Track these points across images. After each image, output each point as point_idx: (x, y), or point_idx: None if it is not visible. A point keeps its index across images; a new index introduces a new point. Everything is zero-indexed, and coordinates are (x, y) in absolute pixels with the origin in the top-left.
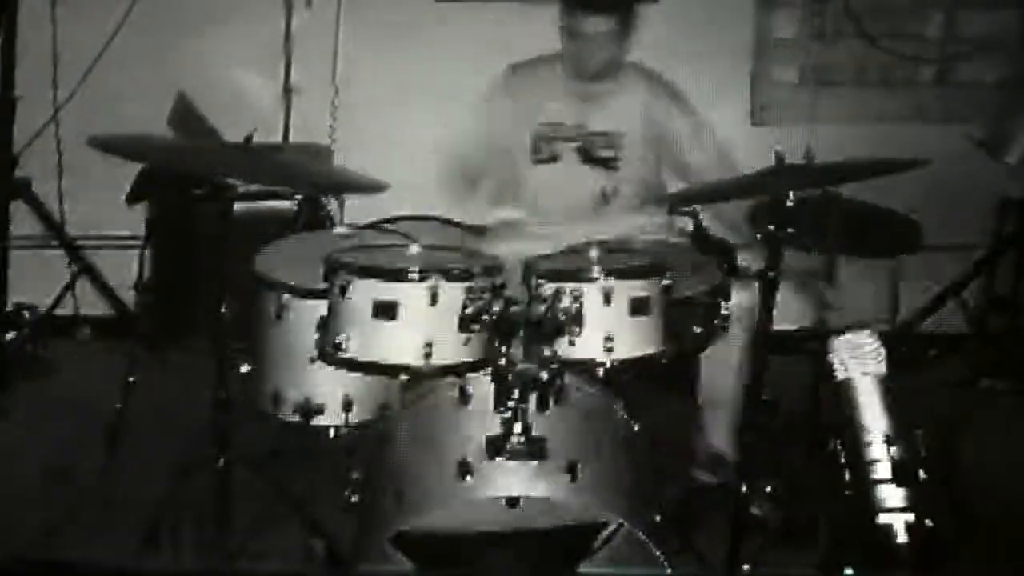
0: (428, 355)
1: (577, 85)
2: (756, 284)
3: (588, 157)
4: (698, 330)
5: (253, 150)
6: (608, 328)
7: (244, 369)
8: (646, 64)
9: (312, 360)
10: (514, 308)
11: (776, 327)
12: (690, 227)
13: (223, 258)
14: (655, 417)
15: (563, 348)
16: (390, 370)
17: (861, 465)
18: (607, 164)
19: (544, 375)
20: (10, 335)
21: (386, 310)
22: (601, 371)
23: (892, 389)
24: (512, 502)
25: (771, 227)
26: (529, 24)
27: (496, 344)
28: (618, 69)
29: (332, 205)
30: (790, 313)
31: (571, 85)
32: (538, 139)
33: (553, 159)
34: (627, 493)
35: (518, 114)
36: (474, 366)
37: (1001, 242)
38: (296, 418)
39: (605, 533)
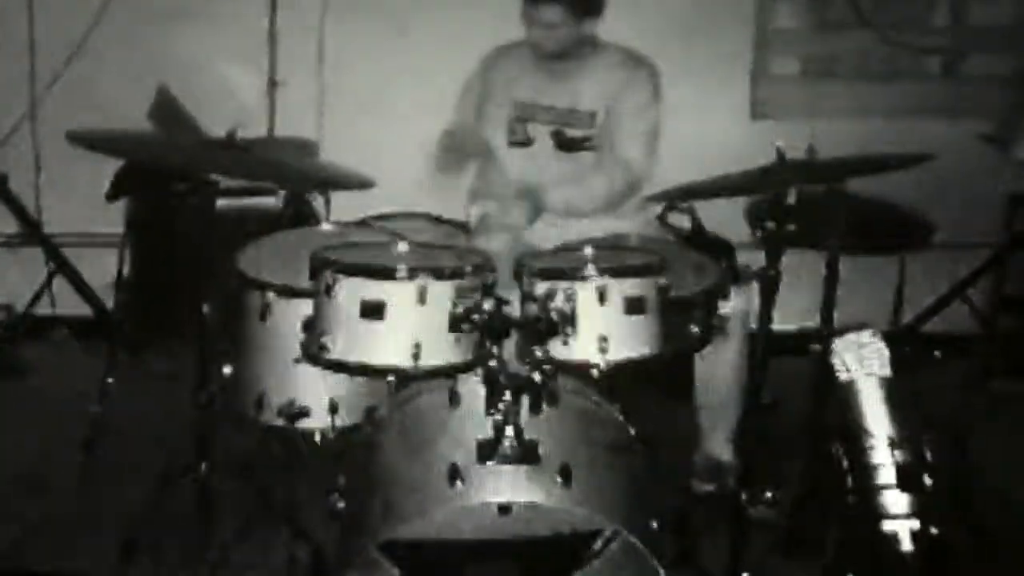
0: (417, 356)
1: (546, 63)
2: (755, 283)
3: (561, 140)
4: (695, 330)
5: (237, 145)
6: (603, 328)
7: (227, 371)
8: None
9: (297, 361)
10: (506, 307)
11: (776, 327)
12: (687, 224)
13: (205, 256)
14: (651, 420)
15: (556, 349)
16: (377, 372)
17: (865, 470)
18: (581, 146)
19: (537, 377)
20: None
21: (373, 310)
22: (596, 373)
23: (896, 391)
24: (504, 508)
25: (771, 225)
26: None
27: (487, 345)
28: (588, 47)
29: (318, 202)
30: (790, 313)
31: (541, 64)
32: (513, 120)
33: (527, 142)
34: (623, 499)
35: (496, 96)
36: (464, 367)
37: (1010, 239)
38: (280, 422)
39: (600, 541)
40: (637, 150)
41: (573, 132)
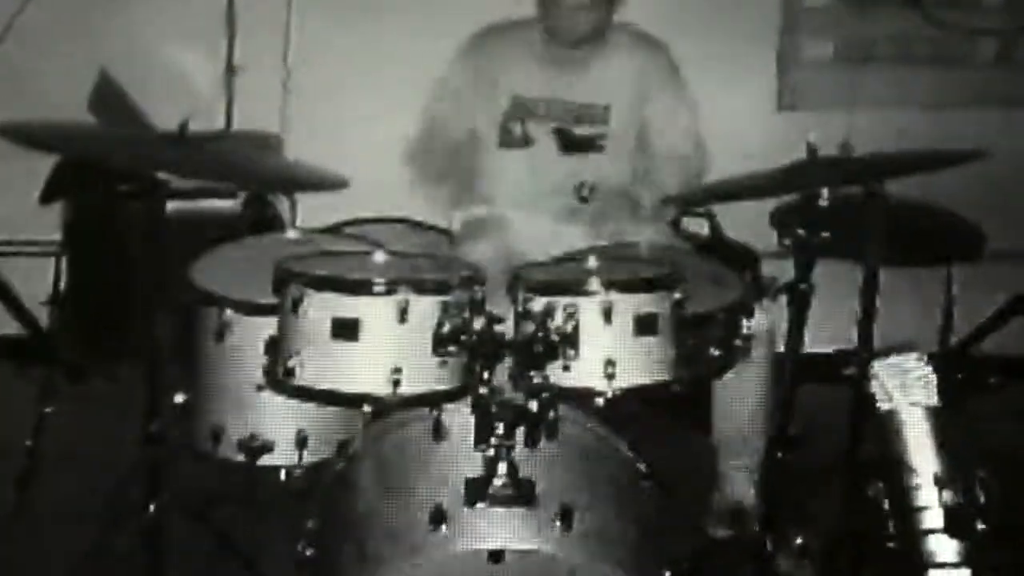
0: (396, 382)
1: (555, 51)
2: (783, 299)
3: (567, 140)
4: (715, 353)
5: (189, 140)
6: (609, 351)
7: (179, 399)
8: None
9: (259, 388)
10: (498, 326)
11: (807, 349)
12: (705, 231)
13: (154, 268)
14: (664, 456)
15: (556, 374)
16: (352, 400)
17: (908, 513)
18: (590, 146)
19: (533, 406)
20: None
21: (347, 329)
22: (601, 401)
23: (945, 422)
24: (495, 556)
25: (801, 232)
26: None
27: (477, 369)
28: (605, 32)
29: (283, 205)
30: (823, 333)
31: (549, 50)
32: (508, 117)
33: (526, 142)
34: (631, 546)
35: (484, 87)
36: (451, 395)
37: None
38: (241, 457)
39: None
40: (687, 145)
41: (582, 130)
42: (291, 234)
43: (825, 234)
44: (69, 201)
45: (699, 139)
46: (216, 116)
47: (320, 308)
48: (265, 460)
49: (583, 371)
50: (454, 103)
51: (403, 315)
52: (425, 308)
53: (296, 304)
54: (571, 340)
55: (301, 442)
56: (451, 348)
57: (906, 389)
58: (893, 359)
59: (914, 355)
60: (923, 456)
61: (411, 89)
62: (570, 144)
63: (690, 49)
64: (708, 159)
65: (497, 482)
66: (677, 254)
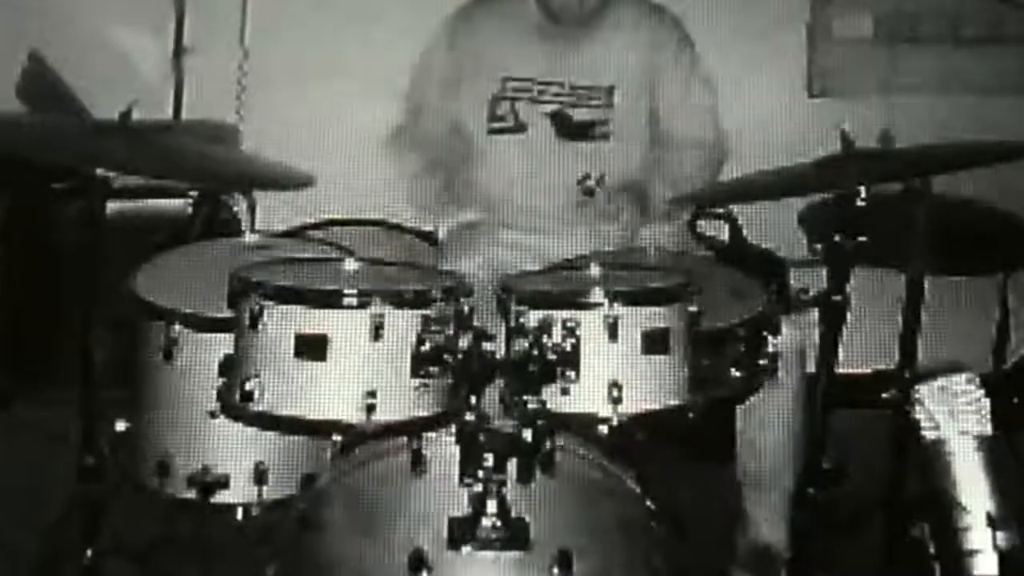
0: (370, 408)
1: (551, 25)
2: (815, 312)
3: (565, 126)
4: (737, 374)
5: (132, 131)
6: (614, 372)
7: (120, 427)
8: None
9: (212, 415)
10: (486, 344)
11: (842, 370)
12: (724, 234)
13: (92, 276)
14: (678, 493)
15: (553, 399)
16: (318, 428)
17: (957, 556)
18: (592, 133)
19: (527, 435)
20: None
21: (313, 347)
22: (605, 430)
23: (999, 453)
24: None
25: (835, 236)
26: None
27: (462, 393)
28: (609, 2)
29: (239, 205)
30: (861, 351)
31: (543, 24)
32: (498, 99)
33: (518, 129)
34: None
35: (470, 68)
36: (432, 423)
37: None
38: (191, 494)
39: None
40: (705, 130)
41: (582, 114)
42: (249, 238)
43: (862, 238)
44: None
45: (719, 123)
46: (163, 104)
47: (282, 323)
48: (219, 497)
49: (584, 395)
50: (437, 87)
51: (377, 331)
52: (403, 323)
53: (255, 319)
54: (570, 360)
55: (260, 476)
56: (432, 369)
57: (955, 416)
58: (940, 381)
59: (964, 377)
60: (975, 493)
61: (388, 71)
62: (569, 130)
63: (708, 27)
64: (729, 145)
65: (485, 523)
66: (692, 261)
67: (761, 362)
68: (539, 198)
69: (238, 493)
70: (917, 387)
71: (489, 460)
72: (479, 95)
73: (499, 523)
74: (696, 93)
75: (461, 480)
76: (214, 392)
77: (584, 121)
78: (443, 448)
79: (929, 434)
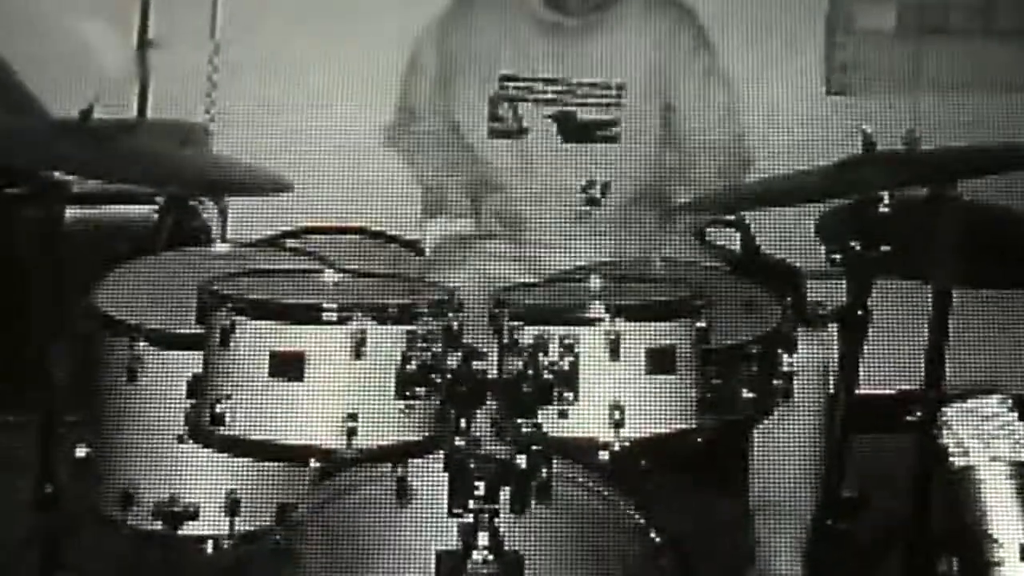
0: (351, 432)
1: (555, 17)
2: (834, 328)
3: (569, 127)
4: (749, 396)
5: (94, 131)
6: (616, 393)
7: (80, 453)
8: None
9: (180, 440)
10: (478, 363)
11: (863, 390)
12: (736, 244)
13: (50, 289)
14: (686, 524)
15: (550, 422)
16: (295, 454)
17: None
18: (600, 135)
19: (521, 462)
20: None
21: (289, 366)
22: (606, 456)
23: None
24: None
25: (856, 245)
26: None
27: (451, 416)
28: None
29: (210, 212)
30: (884, 370)
31: (547, 16)
32: (497, 99)
33: (519, 132)
34: None
35: (465, 64)
36: (418, 448)
37: None
38: (157, 525)
39: None
40: (725, 130)
41: (588, 115)
42: (220, 248)
43: (885, 248)
44: None
45: (739, 121)
46: (127, 101)
47: (255, 340)
48: (187, 529)
49: (584, 418)
50: (429, 85)
51: (359, 349)
52: (386, 340)
53: (226, 335)
54: (568, 380)
55: (232, 507)
56: (419, 390)
57: (986, 440)
58: (970, 403)
59: (996, 398)
60: (1007, 523)
61: (373, 66)
62: (574, 131)
63: (712, 16)
64: (752, 146)
65: (476, 557)
66: (700, 273)
67: (775, 382)
68: (539, 206)
69: (208, 525)
70: (944, 409)
71: (480, 489)
72: (475, 94)
73: (491, 557)
74: (714, 90)
75: (450, 511)
76: (182, 415)
77: (590, 121)
78: (430, 476)
79: (958, 460)
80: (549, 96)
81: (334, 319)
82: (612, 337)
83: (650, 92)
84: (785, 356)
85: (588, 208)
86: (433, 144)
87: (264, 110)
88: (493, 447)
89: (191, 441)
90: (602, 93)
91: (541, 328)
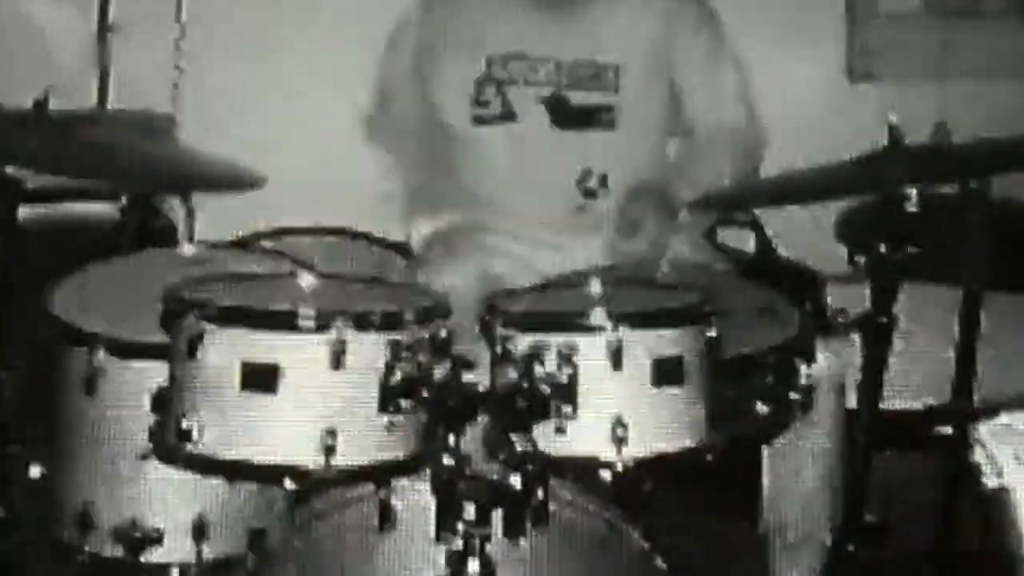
0: (330, 450)
1: None
2: (856, 337)
3: (563, 112)
4: (764, 409)
5: (50, 121)
6: (619, 407)
7: (34, 473)
8: None
9: (143, 458)
10: (468, 375)
11: (887, 404)
12: (750, 245)
13: (2, 294)
14: (693, 549)
15: (546, 439)
16: (268, 474)
17: None
18: (595, 120)
19: (516, 482)
20: None
21: (262, 378)
22: (608, 475)
23: None
24: None
25: (880, 247)
26: None
27: (438, 433)
28: None
29: (176, 210)
30: (910, 382)
31: None
32: (484, 81)
33: (507, 116)
34: None
35: (449, 45)
36: (403, 468)
37: None
38: (118, 551)
39: None
40: (736, 115)
41: (582, 98)
42: (187, 249)
43: (912, 249)
44: None
45: (752, 106)
46: (86, 90)
47: (226, 350)
48: (150, 556)
49: (584, 434)
50: (410, 68)
51: (338, 359)
52: (368, 350)
53: (193, 344)
54: (567, 392)
55: (200, 531)
56: (404, 403)
57: (1021, 459)
58: (1003, 418)
59: None
60: None
61: (351, 52)
62: (566, 116)
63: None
64: (765, 132)
65: None
66: (711, 276)
67: (792, 396)
68: (531, 200)
69: (173, 551)
70: (976, 425)
71: (470, 512)
72: (460, 77)
73: None
74: (723, 75)
75: (437, 536)
76: (145, 431)
77: (585, 106)
78: (416, 498)
79: (990, 481)
80: (539, 77)
81: (311, 327)
82: (614, 346)
83: (651, 73)
84: (803, 367)
85: (585, 201)
86: (412, 130)
87: (234, 99)
88: (484, 466)
89: (155, 459)
90: (595, 75)
91: (537, 336)
